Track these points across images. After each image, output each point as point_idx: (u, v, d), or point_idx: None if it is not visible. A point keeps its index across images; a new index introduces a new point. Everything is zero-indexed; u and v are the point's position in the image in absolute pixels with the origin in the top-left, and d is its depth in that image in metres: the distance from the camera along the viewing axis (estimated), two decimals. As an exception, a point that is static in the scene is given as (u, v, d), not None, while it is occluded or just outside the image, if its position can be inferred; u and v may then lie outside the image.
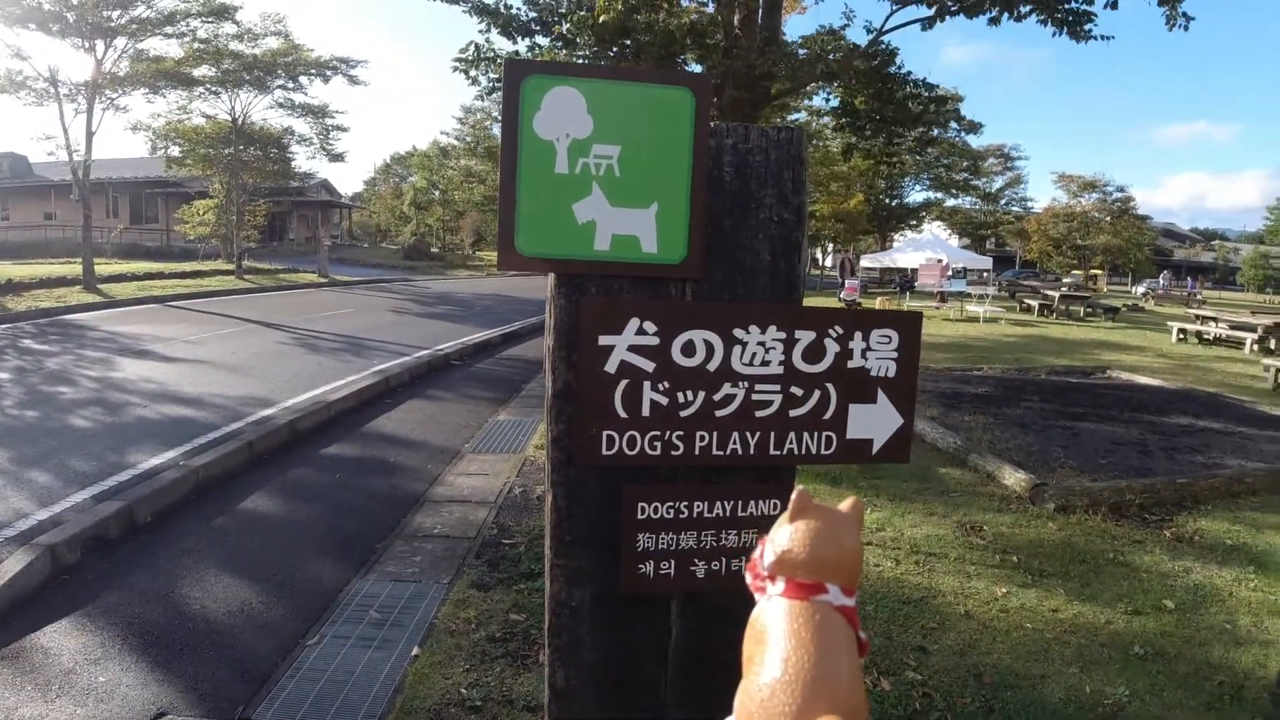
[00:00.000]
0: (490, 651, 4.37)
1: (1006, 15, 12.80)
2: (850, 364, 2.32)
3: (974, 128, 50.93)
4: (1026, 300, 27.67)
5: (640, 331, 2.19)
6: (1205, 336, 21.90)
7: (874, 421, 2.37)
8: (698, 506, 2.32)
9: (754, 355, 2.25)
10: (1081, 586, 5.51)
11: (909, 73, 14.67)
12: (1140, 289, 50.50)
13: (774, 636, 0.86)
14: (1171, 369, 16.08)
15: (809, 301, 7.06)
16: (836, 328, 2.30)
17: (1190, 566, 5.93)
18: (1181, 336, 21.83)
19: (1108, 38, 13.27)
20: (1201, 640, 4.83)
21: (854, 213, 37.87)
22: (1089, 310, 27.11)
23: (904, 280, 30.61)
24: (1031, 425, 9.93)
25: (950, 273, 28.27)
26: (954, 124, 49.04)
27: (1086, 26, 12.95)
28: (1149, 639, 4.80)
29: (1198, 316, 23.86)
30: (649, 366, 2.21)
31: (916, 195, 56.93)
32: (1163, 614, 5.14)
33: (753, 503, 2.36)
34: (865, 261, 31.61)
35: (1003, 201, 64.45)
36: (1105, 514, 6.86)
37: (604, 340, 2.18)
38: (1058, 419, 10.45)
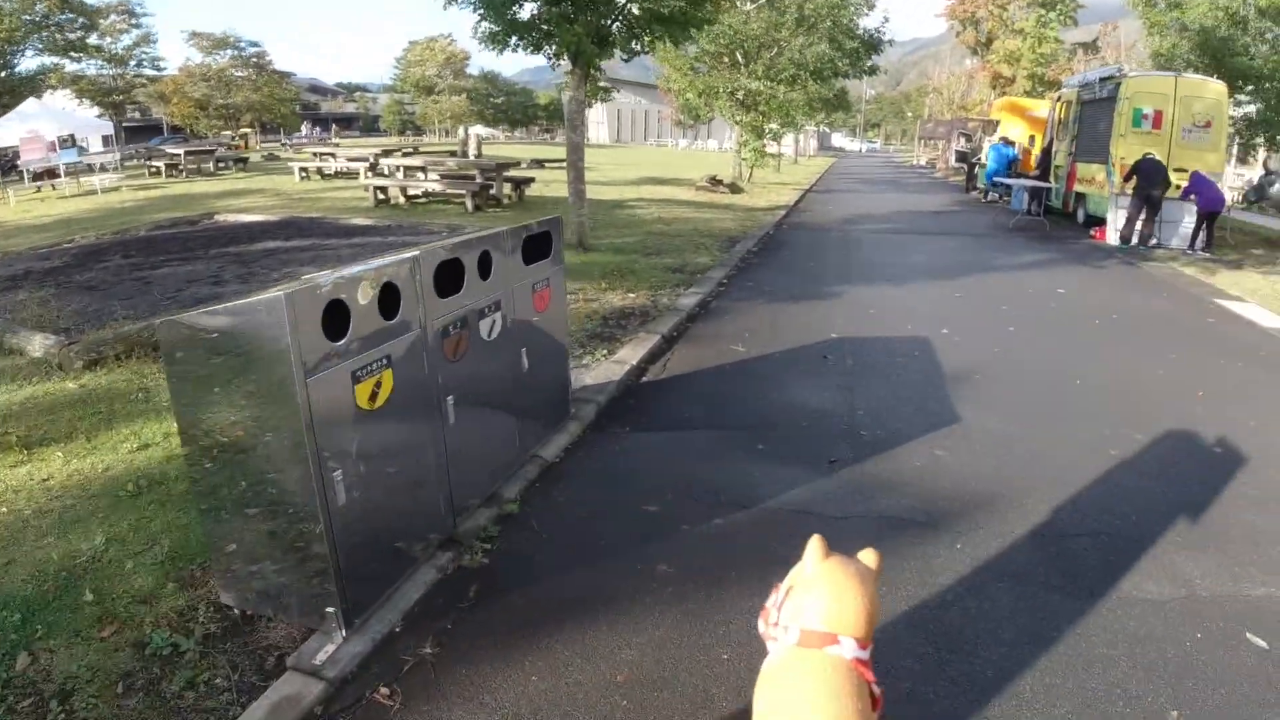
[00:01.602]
0: None
1: None
2: None
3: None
4: (155, 164, 25.62)
5: None
6: (327, 172, 23.09)
7: None
8: None
9: None
10: (87, 442, 4.69)
11: None
12: (289, 141, 51.75)
13: (786, 689, 0.83)
14: (285, 204, 16.32)
15: None
16: None
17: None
18: (305, 175, 22.61)
19: None
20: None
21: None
22: (220, 164, 26.46)
23: (3, 161, 25.31)
24: (100, 285, 8.71)
25: (59, 145, 24.31)
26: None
27: None
28: (149, 471, 4.24)
29: (315, 154, 25.01)
30: None
31: (29, 62, 47.95)
32: (173, 437, 4.62)
33: None
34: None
35: (134, 63, 58.67)
36: (144, 355, 6.15)
37: None
38: (134, 272, 9.42)
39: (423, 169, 16.80)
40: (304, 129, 58.53)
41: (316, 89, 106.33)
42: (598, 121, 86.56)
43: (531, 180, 17.07)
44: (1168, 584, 3.39)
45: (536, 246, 4.28)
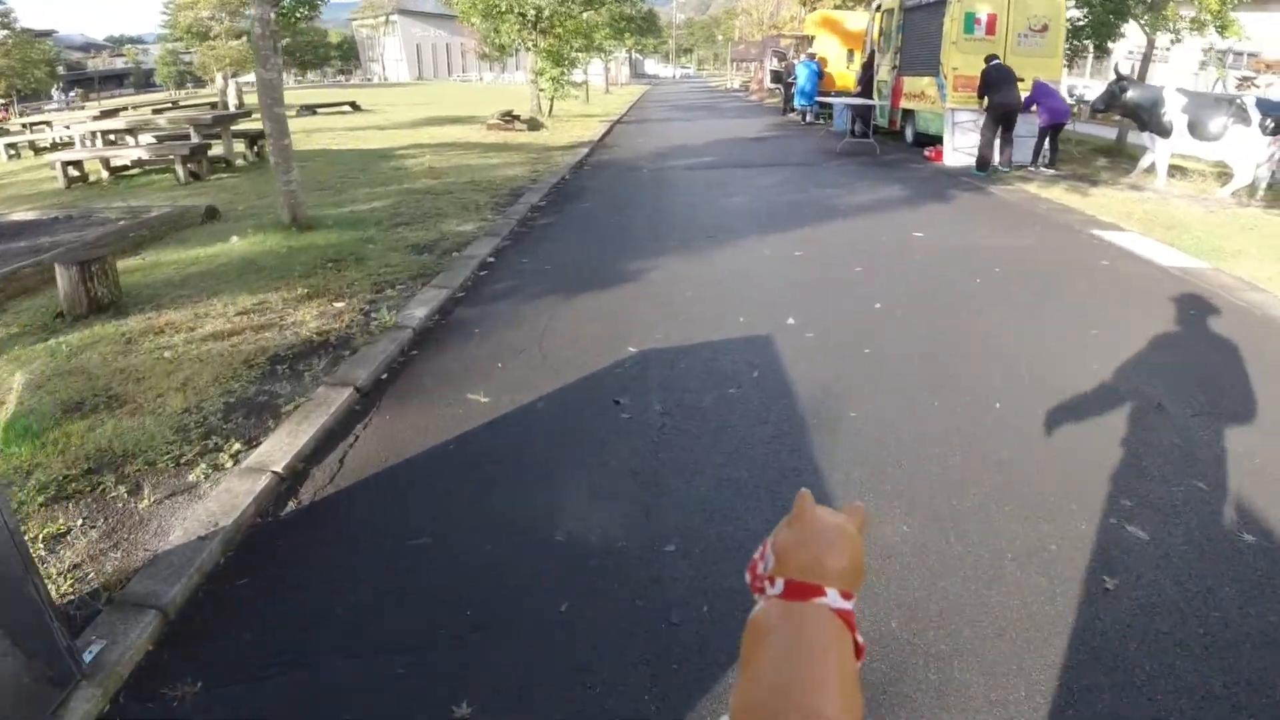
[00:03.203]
0: None
1: None
2: None
3: None
4: None
5: None
6: (42, 145, 18.55)
7: None
8: None
9: None
10: None
11: None
12: (52, 107, 44.12)
13: (770, 639, 0.79)
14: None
15: None
16: None
17: None
18: (13, 152, 18.04)
19: None
20: None
21: None
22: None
23: None
24: None
25: None
26: None
27: None
28: None
29: (26, 125, 20.31)
30: None
31: None
32: None
33: None
34: None
35: None
36: None
37: None
38: None
39: (130, 132, 13.10)
40: (54, 94, 50.23)
41: (90, 46, 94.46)
42: (396, 58, 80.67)
43: (274, 132, 13.69)
44: None
45: None
